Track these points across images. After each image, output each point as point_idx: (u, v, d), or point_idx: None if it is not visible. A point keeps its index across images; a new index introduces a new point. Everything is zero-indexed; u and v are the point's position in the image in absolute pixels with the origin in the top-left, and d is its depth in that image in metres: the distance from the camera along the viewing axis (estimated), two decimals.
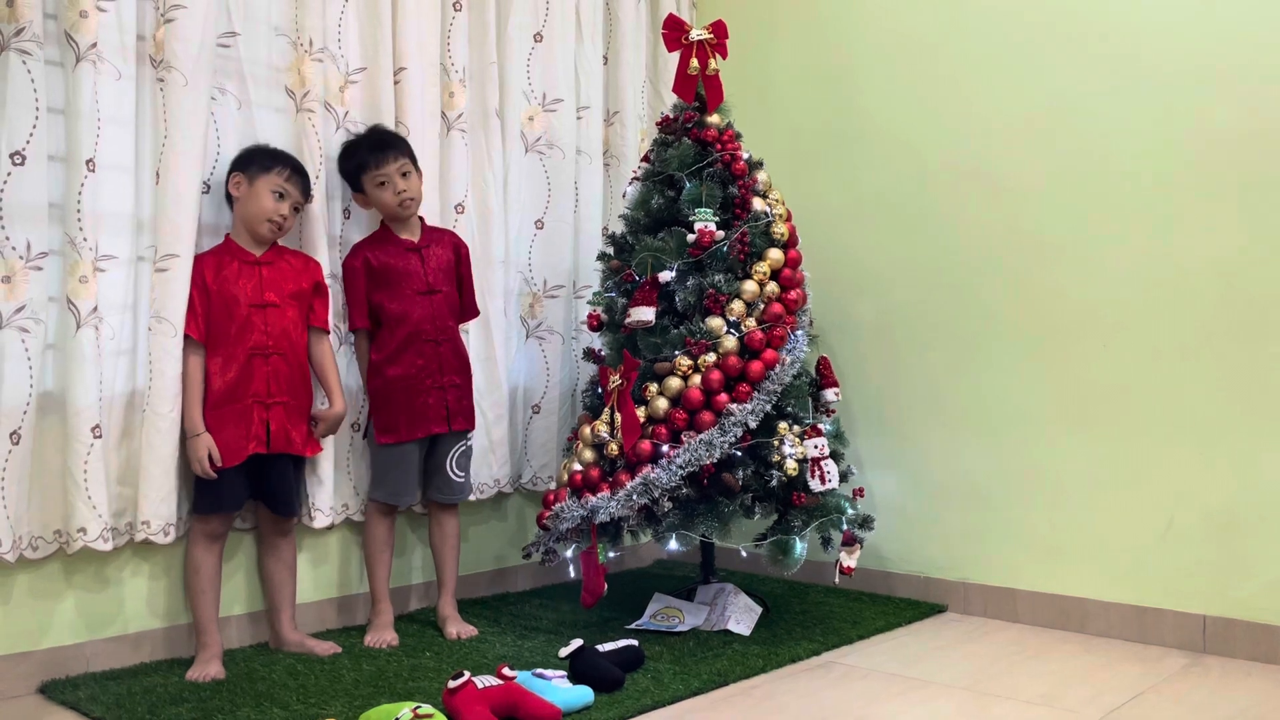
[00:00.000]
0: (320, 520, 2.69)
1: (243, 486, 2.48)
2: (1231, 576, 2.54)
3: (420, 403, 2.69)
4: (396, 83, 2.89)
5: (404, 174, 2.67)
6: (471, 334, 3.00)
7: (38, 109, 2.23)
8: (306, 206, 2.65)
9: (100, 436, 2.33)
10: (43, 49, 2.24)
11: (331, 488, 2.72)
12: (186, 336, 2.43)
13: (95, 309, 2.33)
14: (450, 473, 2.78)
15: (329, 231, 2.74)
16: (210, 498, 2.45)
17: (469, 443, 2.85)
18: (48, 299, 2.29)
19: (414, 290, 2.70)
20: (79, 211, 2.30)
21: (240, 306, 2.47)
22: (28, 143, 2.22)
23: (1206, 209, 2.60)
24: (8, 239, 2.21)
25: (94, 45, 2.31)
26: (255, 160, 2.52)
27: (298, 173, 2.56)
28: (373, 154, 2.65)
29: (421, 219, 2.80)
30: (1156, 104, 2.67)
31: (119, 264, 2.39)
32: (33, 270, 2.24)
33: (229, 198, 2.54)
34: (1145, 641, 2.65)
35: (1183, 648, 2.60)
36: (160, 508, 2.40)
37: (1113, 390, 2.74)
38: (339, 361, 2.70)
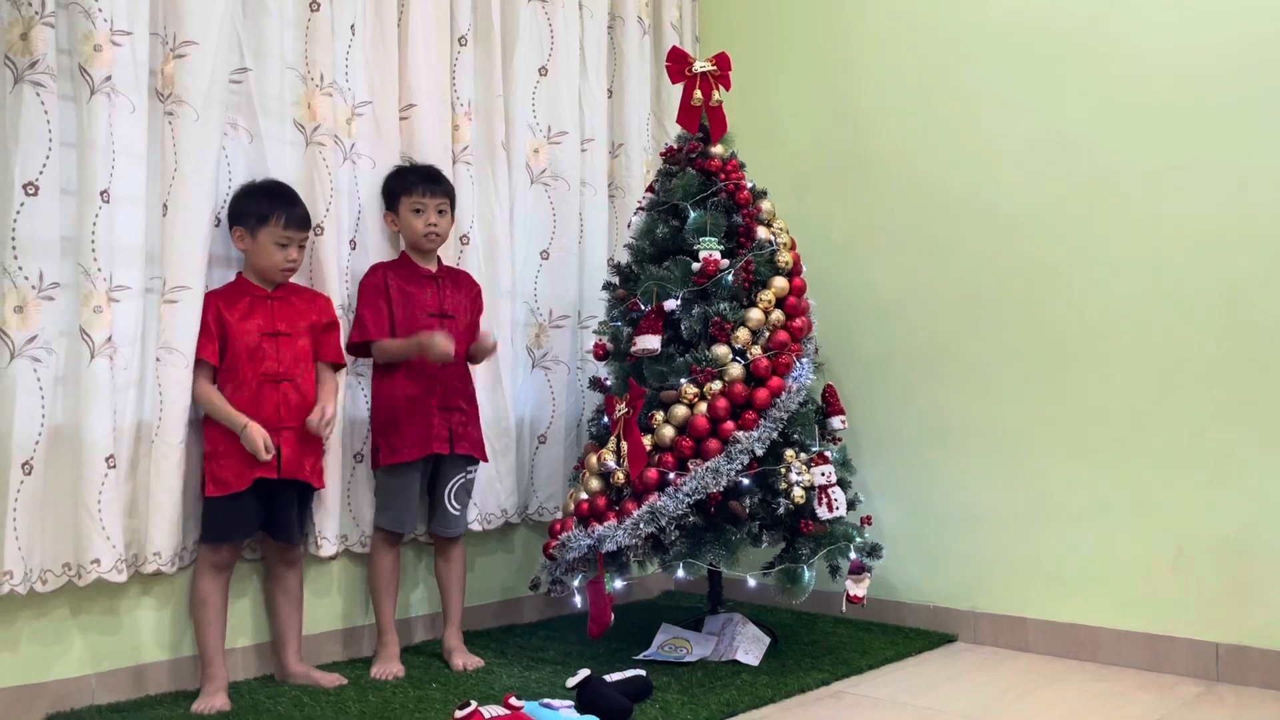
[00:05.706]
0: (326, 549, 2.68)
1: (252, 514, 2.47)
2: (1244, 603, 2.53)
3: (424, 422, 2.70)
4: (405, 118, 2.92)
5: (440, 211, 2.77)
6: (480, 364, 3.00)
7: (50, 141, 2.25)
8: (317, 239, 2.67)
9: (114, 467, 2.33)
10: (56, 82, 2.26)
11: (325, 517, 2.69)
12: (201, 360, 2.44)
13: (110, 339, 2.33)
14: (449, 505, 2.78)
15: (338, 265, 2.75)
16: (219, 526, 2.44)
17: (470, 476, 2.84)
18: (59, 331, 2.28)
19: (426, 312, 2.73)
20: (93, 242, 2.31)
21: (251, 336, 2.48)
22: (40, 174, 2.24)
23: (1212, 235, 2.61)
24: (20, 269, 2.22)
25: (108, 78, 2.33)
26: (250, 211, 2.51)
27: (294, 211, 2.53)
28: (423, 184, 2.76)
29: (440, 259, 2.86)
30: (1160, 132, 2.69)
31: (132, 295, 2.39)
32: (45, 300, 2.25)
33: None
34: (1158, 670, 2.63)
35: (1196, 676, 2.57)
36: (170, 538, 2.41)
37: (1121, 417, 2.73)
38: (341, 392, 2.70)
